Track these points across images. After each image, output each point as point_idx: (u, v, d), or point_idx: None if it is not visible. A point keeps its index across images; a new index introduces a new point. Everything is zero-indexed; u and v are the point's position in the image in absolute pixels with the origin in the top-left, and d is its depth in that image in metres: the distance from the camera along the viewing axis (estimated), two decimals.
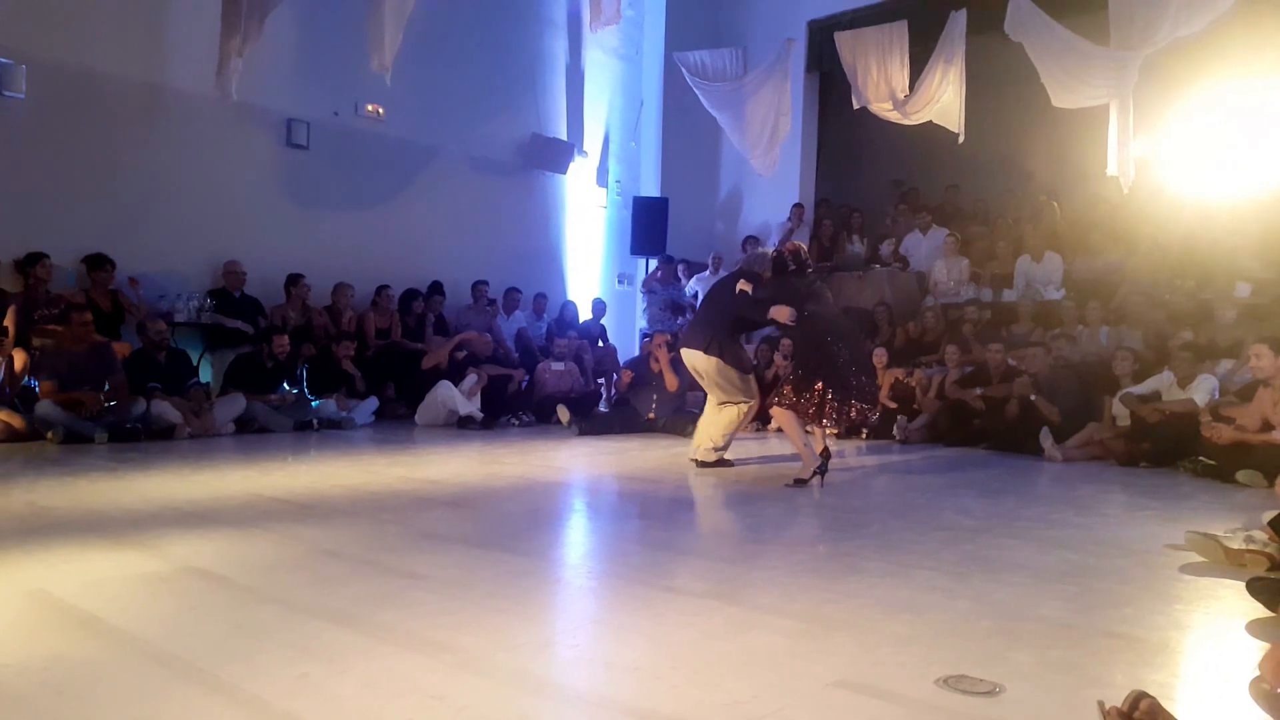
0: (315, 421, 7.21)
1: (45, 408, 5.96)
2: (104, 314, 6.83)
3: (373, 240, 9.04)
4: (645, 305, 10.73)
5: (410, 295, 8.94)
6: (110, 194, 7.34)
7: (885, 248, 10.30)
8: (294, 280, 8.15)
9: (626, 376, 8.17)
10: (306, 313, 8.23)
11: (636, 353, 9.59)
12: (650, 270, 10.94)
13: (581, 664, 2.22)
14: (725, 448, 5.65)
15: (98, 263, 6.94)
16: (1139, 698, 1.65)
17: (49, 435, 5.89)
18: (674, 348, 8.24)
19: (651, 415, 7.79)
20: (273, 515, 3.81)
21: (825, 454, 5.03)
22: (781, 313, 5.21)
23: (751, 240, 11.07)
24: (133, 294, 7.22)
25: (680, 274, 11.13)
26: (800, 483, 4.93)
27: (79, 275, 7.03)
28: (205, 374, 7.59)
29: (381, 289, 8.69)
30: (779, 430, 7.92)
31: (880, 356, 8.00)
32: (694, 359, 5.57)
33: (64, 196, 7.09)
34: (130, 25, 7.47)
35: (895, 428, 7.58)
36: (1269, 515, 3.31)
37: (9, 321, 6.37)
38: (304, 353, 7.76)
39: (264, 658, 2.10)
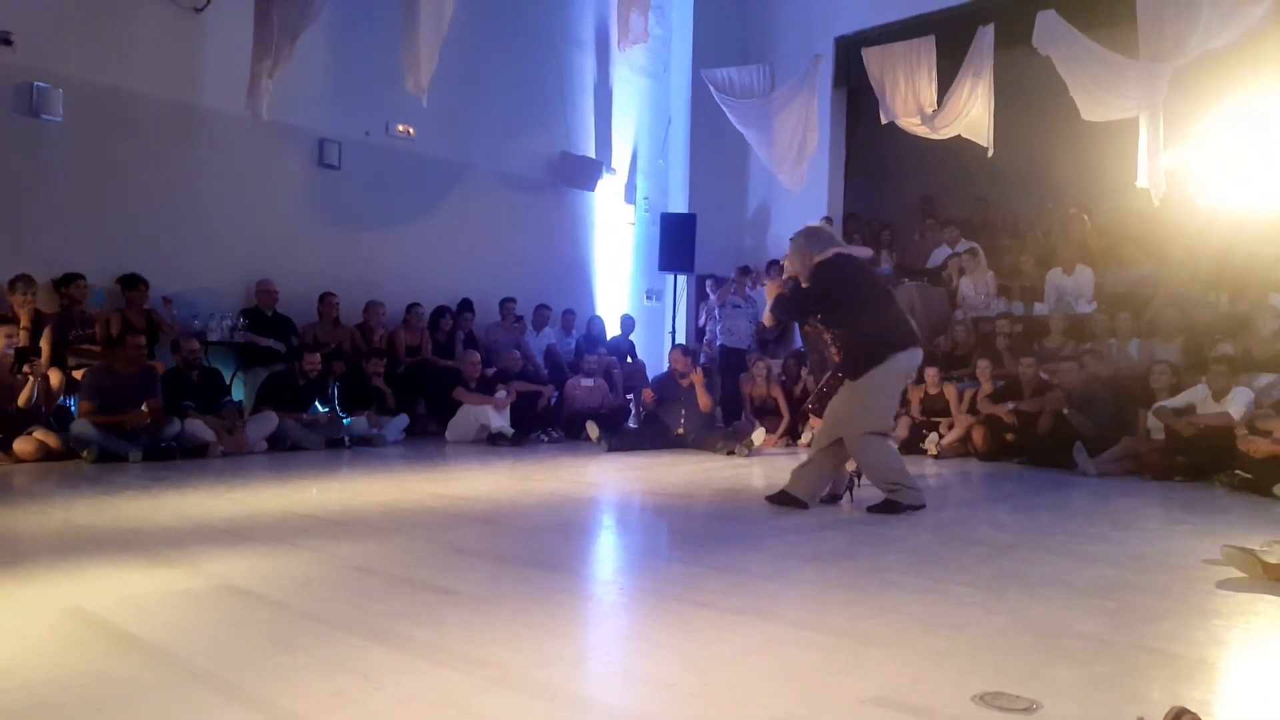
0: (347, 439, 7.28)
1: (80, 426, 6.06)
2: (139, 334, 6.94)
3: (403, 258, 9.14)
4: (721, 321, 10.24)
5: (440, 312, 9.02)
6: (144, 214, 7.48)
7: (952, 266, 9.99)
8: (323, 298, 8.25)
9: (648, 396, 8.16)
10: (338, 331, 8.33)
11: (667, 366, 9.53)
12: (724, 283, 10.49)
13: (615, 680, 2.22)
14: None
15: (131, 282, 7.06)
16: (1180, 713, 1.63)
17: (84, 454, 5.98)
18: (706, 371, 8.25)
19: (681, 430, 7.79)
20: (307, 532, 3.85)
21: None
22: None
23: (775, 265, 11.04)
24: (166, 313, 7.34)
25: (709, 290, 11.11)
26: (833, 499, 4.89)
27: (106, 295, 7.16)
28: (238, 392, 7.69)
29: (412, 306, 8.77)
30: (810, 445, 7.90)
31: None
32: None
33: (99, 217, 7.24)
34: (164, 48, 7.63)
35: (927, 442, 7.52)
36: None
37: (45, 342, 6.50)
38: (335, 370, 7.84)
39: (300, 674, 2.11)
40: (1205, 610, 2.88)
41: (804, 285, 4.69)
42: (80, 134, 7.15)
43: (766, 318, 5.12)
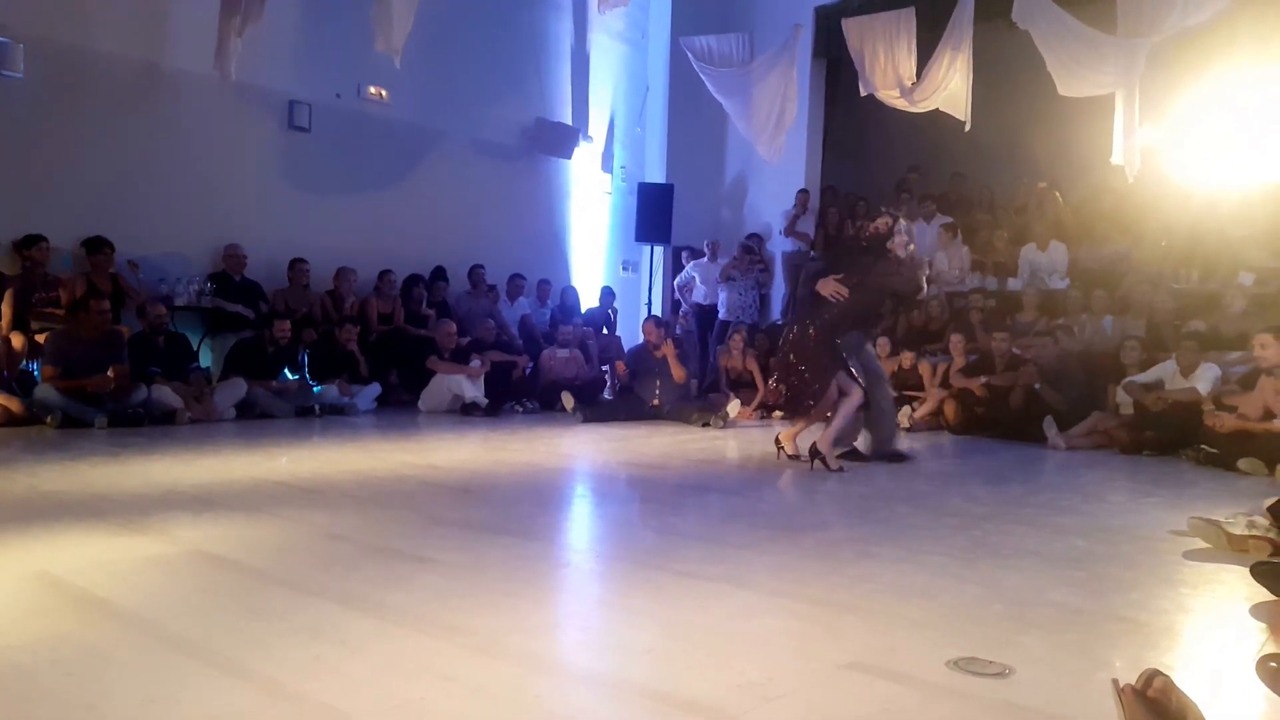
0: (317, 407, 7.19)
1: (44, 391, 5.94)
2: (103, 298, 6.80)
3: (375, 224, 9.00)
4: (725, 294, 10.28)
5: (413, 280, 8.91)
6: (109, 175, 7.29)
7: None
8: (294, 264, 8.12)
9: (621, 369, 8.11)
10: (308, 297, 8.21)
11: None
12: (730, 259, 10.48)
13: (594, 646, 2.22)
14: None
15: (96, 246, 6.87)
16: (1153, 676, 1.65)
17: (48, 420, 5.87)
18: (679, 342, 8.25)
19: (656, 402, 7.78)
20: (279, 500, 3.80)
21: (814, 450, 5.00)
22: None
23: (754, 237, 11.04)
24: (132, 277, 7.17)
25: (684, 261, 11.09)
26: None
27: (74, 258, 6.99)
28: (205, 359, 7.56)
29: (384, 274, 8.65)
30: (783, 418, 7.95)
31: (882, 346, 7.97)
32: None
33: (62, 178, 7.03)
34: (130, 4, 7.40)
35: (900, 415, 7.57)
36: (1270, 501, 3.34)
37: (6, 304, 6.34)
38: (305, 338, 7.74)
39: (276, 640, 2.09)
40: (1172, 580, 2.94)
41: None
42: (42, 91, 6.93)
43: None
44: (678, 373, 7.75)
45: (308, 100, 8.49)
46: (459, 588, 2.56)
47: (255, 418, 6.84)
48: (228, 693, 1.80)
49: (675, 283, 11.00)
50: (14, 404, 5.93)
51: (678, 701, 1.81)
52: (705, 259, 10.64)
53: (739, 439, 6.70)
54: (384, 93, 9.00)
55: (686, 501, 4.37)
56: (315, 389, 7.44)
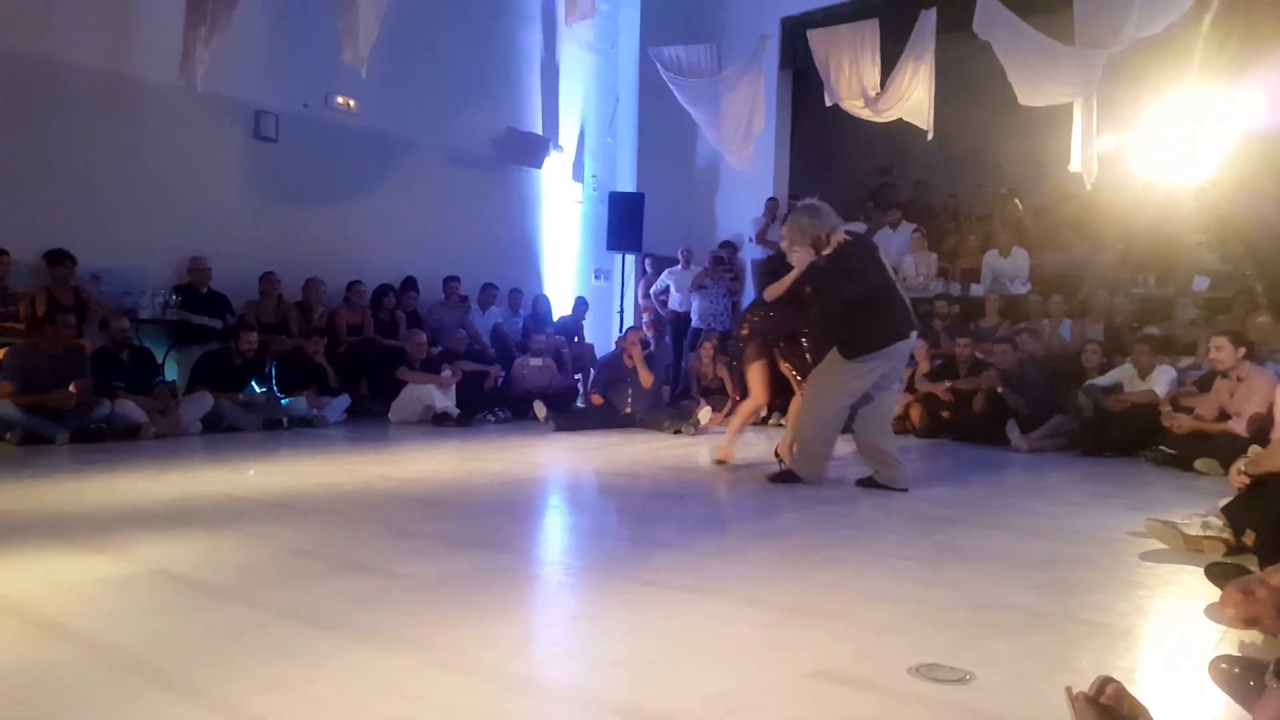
0: (285, 420, 7.12)
1: (3, 408, 5.82)
2: (67, 312, 6.69)
3: (344, 235, 8.94)
4: (696, 303, 10.37)
5: (383, 291, 8.86)
6: (71, 187, 7.18)
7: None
8: (265, 278, 8.04)
9: (596, 400, 7.98)
10: (281, 310, 8.12)
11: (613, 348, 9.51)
12: (699, 268, 10.59)
13: (562, 660, 2.22)
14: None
15: (58, 258, 6.77)
16: (1105, 683, 1.69)
17: (7, 436, 5.76)
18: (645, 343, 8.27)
19: (628, 410, 7.79)
20: (245, 515, 3.76)
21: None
22: None
23: (727, 246, 11.11)
24: (95, 290, 7.07)
25: (648, 267, 11.13)
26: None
27: (33, 271, 6.87)
28: (171, 372, 7.47)
29: (353, 284, 8.60)
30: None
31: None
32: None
33: (23, 189, 6.92)
34: (93, 12, 7.31)
35: None
36: (1224, 502, 3.42)
37: None
38: (272, 349, 7.66)
39: (237, 660, 2.07)
40: (1131, 581, 2.99)
41: (819, 263, 4.71)
42: (3, 101, 6.82)
43: (774, 290, 4.99)
44: (645, 378, 7.76)
45: (275, 110, 8.43)
46: (426, 603, 2.55)
47: (222, 431, 6.76)
48: (185, 716, 1.78)
49: (647, 289, 11.03)
50: None
51: (647, 714, 1.82)
52: (680, 266, 10.69)
53: (711, 445, 6.70)
54: (352, 103, 8.95)
55: (658, 509, 4.38)
56: (283, 401, 7.37)
